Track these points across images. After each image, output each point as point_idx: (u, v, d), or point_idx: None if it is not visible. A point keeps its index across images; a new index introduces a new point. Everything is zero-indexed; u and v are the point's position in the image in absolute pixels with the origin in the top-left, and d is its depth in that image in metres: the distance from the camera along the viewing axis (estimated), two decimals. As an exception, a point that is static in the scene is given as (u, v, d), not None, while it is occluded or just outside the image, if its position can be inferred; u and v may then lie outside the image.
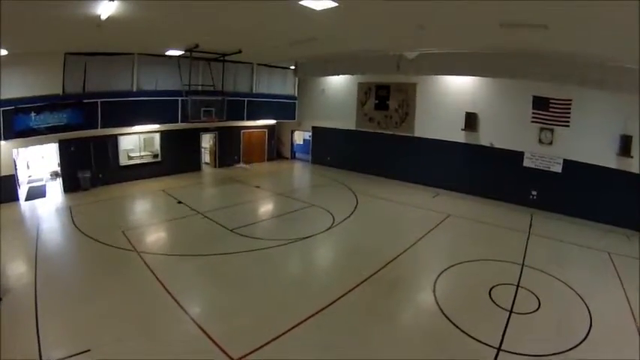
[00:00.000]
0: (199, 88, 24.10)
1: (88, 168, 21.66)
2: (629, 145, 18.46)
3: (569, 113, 19.89)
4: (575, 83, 17.15)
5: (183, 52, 21.28)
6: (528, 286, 12.35)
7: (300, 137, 33.14)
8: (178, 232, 16.55)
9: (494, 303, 11.26)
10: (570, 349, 9.22)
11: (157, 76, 23.05)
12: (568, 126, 20.01)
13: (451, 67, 19.89)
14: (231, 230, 16.27)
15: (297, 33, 16.05)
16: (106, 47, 19.63)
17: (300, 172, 30.00)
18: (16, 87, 18.17)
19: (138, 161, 24.07)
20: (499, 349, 9.11)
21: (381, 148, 27.00)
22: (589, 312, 11.01)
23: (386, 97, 26.26)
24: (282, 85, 29.69)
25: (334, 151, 30.08)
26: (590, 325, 10.35)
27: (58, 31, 14.68)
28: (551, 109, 20.27)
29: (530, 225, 18.61)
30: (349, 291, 11.60)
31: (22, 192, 21.09)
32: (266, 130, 30.96)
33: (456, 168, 23.69)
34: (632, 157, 18.46)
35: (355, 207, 20.16)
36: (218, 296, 11.35)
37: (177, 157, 25.75)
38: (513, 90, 20.90)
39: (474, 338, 9.44)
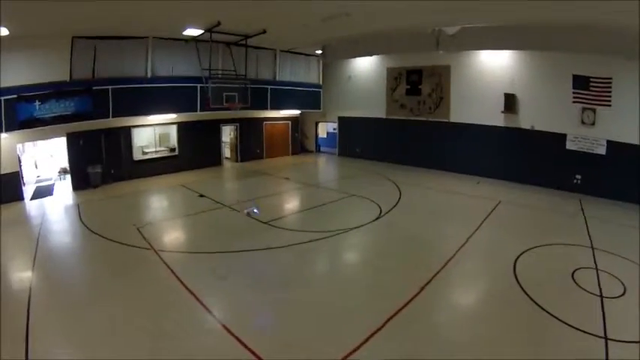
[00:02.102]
0: (219, 74, 22.44)
1: (98, 163, 20.21)
2: None
3: (610, 92, 18.91)
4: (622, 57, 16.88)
5: (202, 32, 19.52)
6: (607, 269, 11.53)
7: (323, 130, 30.85)
8: (203, 226, 14.73)
9: (582, 288, 10.44)
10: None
11: (174, 60, 21.43)
12: (610, 105, 19.03)
13: (494, 42, 19.42)
14: (265, 223, 14.45)
15: (332, 6, 14.57)
16: (117, 29, 18.22)
17: (329, 164, 28.52)
18: (18, 73, 16.55)
19: (153, 155, 22.71)
20: (606, 339, 8.22)
21: (415, 136, 25.71)
22: None
23: (418, 82, 24.81)
24: (307, 73, 28.44)
25: (363, 141, 28.68)
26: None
27: (64, 12, 13.41)
28: (591, 88, 19.28)
29: (582, 209, 17.62)
30: (422, 289, 9.97)
31: (29, 191, 19.63)
32: (289, 122, 29.70)
33: (496, 153, 22.70)
34: None
35: (400, 197, 18.62)
36: (267, 303, 9.24)
37: (196, 150, 24.26)
38: (552, 69, 20.03)
39: (575, 328, 8.55)
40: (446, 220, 15.71)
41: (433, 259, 11.45)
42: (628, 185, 18.57)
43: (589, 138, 19.63)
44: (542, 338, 8.12)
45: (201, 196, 17.89)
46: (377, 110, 26.92)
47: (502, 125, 22.08)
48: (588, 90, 19.31)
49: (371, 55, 25.25)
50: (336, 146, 30.74)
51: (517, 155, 21.89)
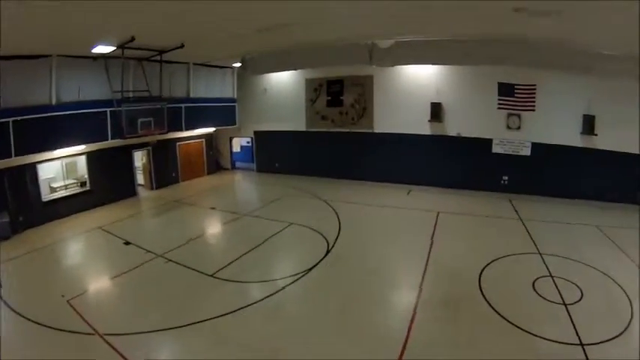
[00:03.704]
0: (131, 96, 20.14)
1: (4, 209, 16.84)
2: (592, 124, 20.06)
3: (534, 98, 20.59)
4: (548, 68, 18.57)
5: (114, 49, 16.85)
6: (561, 274, 12.41)
7: (237, 145, 28.62)
8: (145, 288, 12.11)
9: (546, 299, 11.05)
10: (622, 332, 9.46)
11: (81, 81, 18.28)
12: (534, 110, 20.73)
13: (429, 56, 19.47)
14: (211, 275, 12.52)
15: (268, 17, 13.53)
16: (18, 47, 15.04)
17: (250, 184, 26.95)
18: None
19: (63, 193, 19.73)
20: (582, 345, 9.00)
21: (339, 148, 25.33)
22: (622, 288, 11.64)
23: (339, 93, 24.42)
24: (221, 87, 26.28)
25: (283, 156, 27.63)
26: (630, 300, 10.94)
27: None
28: (516, 95, 20.71)
29: (516, 210, 18.86)
30: (411, 324, 9.74)
31: None
32: (203, 139, 27.80)
33: (425, 161, 23.31)
34: (596, 134, 20.00)
35: (339, 220, 17.87)
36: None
37: (108, 182, 21.33)
38: (478, 77, 21.07)
39: (554, 341, 9.11)
40: (396, 243, 15.40)
41: (403, 302, 10.98)
42: (552, 181, 20.79)
43: (514, 141, 21.03)
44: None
45: (127, 243, 15.40)
46: (296, 123, 26.09)
47: (429, 134, 22.65)
48: (513, 97, 20.56)
49: (297, 69, 24.48)
50: (251, 161, 29.49)
51: (446, 162, 22.65)
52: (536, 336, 9.23)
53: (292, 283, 11.92)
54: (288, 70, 24.69)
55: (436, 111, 21.93)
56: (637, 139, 18.79)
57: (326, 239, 15.29)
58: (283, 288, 11.59)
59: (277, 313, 10.35)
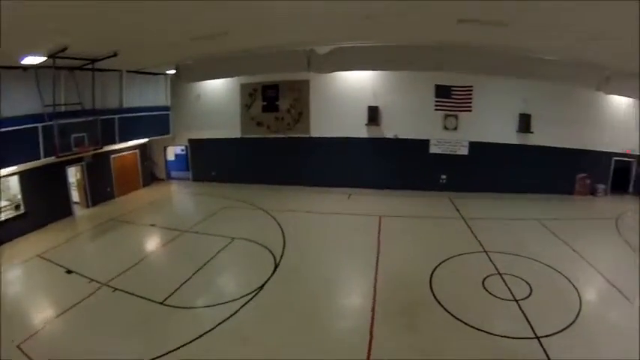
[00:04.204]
0: (63, 108, 18.27)
1: None
2: (528, 122, 21.53)
3: (470, 99, 21.52)
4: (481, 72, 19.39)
5: (45, 59, 15.19)
6: (509, 271, 13.00)
7: (171, 153, 27.52)
8: (99, 324, 10.76)
9: (496, 297, 11.52)
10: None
11: (8, 94, 16.06)
12: (470, 111, 21.65)
13: (368, 62, 19.48)
14: (161, 303, 11.59)
15: (204, 26, 13.07)
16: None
17: (188, 196, 25.62)
18: None
19: None
20: (538, 337, 9.52)
21: (276, 154, 24.82)
22: (568, 280, 12.48)
23: (275, 98, 24.07)
24: (155, 95, 24.50)
25: (220, 164, 26.57)
26: (577, 290, 11.81)
27: None
28: (453, 96, 21.55)
29: (457, 209, 19.53)
30: (371, 338, 9.62)
31: None
32: (137, 150, 25.67)
33: (363, 164, 23.50)
34: (532, 132, 21.55)
35: (282, 232, 17.31)
36: None
37: (43, 203, 19.03)
38: (415, 80, 21.57)
39: (508, 337, 9.53)
40: (343, 251, 15.28)
41: (360, 315, 10.73)
42: (489, 177, 21.98)
43: (451, 141, 21.92)
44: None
45: (69, 272, 13.84)
46: (232, 130, 25.31)
47: (366, 137, 22.96)
48: (450, 98, 21.39)
49: (234, 76, 23.73)
50: (186, 169, 28.22)
51: (385, 164, 23.03)
52: (494, 335, 9.54)
53: (246, 303, 11.39)
54: (225, 77, 24.07)
55: (373, 114, 22.28)
56: (569, 135, 21.28)
57: (272, 253, 14.89)
58: (238, 311, 11.01)
59: (238, 338, 9.85)
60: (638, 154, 22.86)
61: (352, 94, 22.51)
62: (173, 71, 23.74)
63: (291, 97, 23.52)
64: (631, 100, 22.12)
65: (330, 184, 23.41)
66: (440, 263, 13.61)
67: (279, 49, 18.49)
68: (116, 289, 12.49)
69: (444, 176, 22.63)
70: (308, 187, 23.58)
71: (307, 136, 23.80)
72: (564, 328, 9.93)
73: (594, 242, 16.57)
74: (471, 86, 21.14)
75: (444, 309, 10.86)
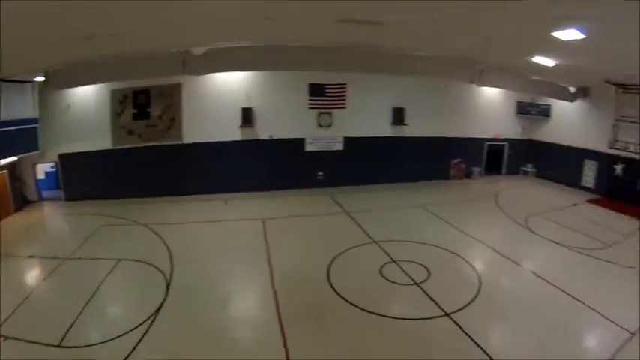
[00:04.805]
0: None
1: None
2: (402, 115, 23.17)
3: (344, 96, 22.08)
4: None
5: None
6: (403, 257, 13.48)
7: (41, 171, 23.86)
8: None
9: (397, 283, 11.98)
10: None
11: None
12: (344, 107, 22.24)
13: (242, 63, 18.43)
14: (58, 346, 9.84)
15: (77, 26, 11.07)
16: None
17: (64, 218, 21.77)
18: None
19: None
20: (448, 314, 10.13)
21: (150, 164, 22.51)
22: (462, 257, 13.54)
23: (146, 104, 21.97)
24: (21, 106, 20.05)
25: (93, 179, 22.91)
26: (471, 265, 12.95)
27: None
28: (327, 94, 21.93)
29: (339, 204, 20.04)
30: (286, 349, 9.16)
31: None
32: (6, 171, 20.84)
33: (241, 168, 22.76)
34: (406, 124, 23.31)
35: (166, 245, 15.84)
36: None
37: None
38: (288, 79, 21.39)
39: (422, 318, 10.09)
40: (233, 261, 14.26)
41: (268, 326, 10.16)
42: (365, 171, 23.08)
43: (326, 138, 22.52)
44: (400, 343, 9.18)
45: None
46: (103, 141, 22.27)
47: (241, 139, 22.40)
48: (324, 96, 21.85)
49: (105, 82, 20.74)
50: (59, 188, 24.51)
51: (261, 166, 22.69)
52: (407, 319, 10.00)
53: (145, 333, 10.13)
54: (96, 82, 20.81)
55: (247, 116, 21.81)
56: (443, 125, 23.92)
57: (161, 271, 13.65)
58: (137, 345, 9.66)
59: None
60: (506, 138, 26.46)
61: (226, 96, 21.77)
62: (42, 78, 20.44)
63: (163, 102, 21.88)
64: (501, 90, 25.18)
65: (210, 191, 22.24)
66: (333, 259, 13.70)
67: (154, 52, 16.92)
68: (6, 337, 10.34)
69: (320, 173, 23.10)
70: (188, 197, 22.05)
71: (180, 142, 22.27)
72: (470, 302, 10.78)
73: (477, 220, 18.57)
74: (345, 83, 21.86)
75: (350, 303, 10.96)
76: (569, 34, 10.66)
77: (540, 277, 12.77)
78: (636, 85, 19.79)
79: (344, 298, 11.15)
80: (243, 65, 18.96)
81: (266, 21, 11.93)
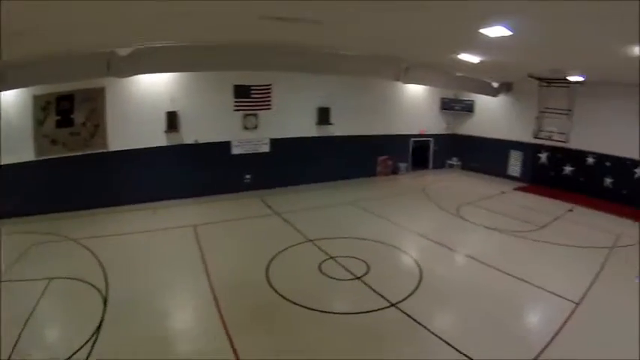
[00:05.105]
0: None
1: None
2: (327, 115, 23.99)
3: (269, 97, 22.44)
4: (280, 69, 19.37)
5: None
6: (340, 253, 13.94)
7: None
8: None
9: (337, 279, 12.29)
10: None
11: None
12: (270, 108, 22.59)
13: (166, 64, 17.95)
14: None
15: None
16: None
17: None
18: None
19: None
20: (394, 305, 10.67)
21: (77, 176, 20.90)
22: (398, 248, 14.35)
23: (69, 111, 20.35)
24: None
25: (17, 193, 20.06)
26: (409, 254, 13.78)
27: None
28: (252, 96, 22.14)
29: (269, 206, 20.41)
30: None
31: None
32: None
33: (167, 175, 22.13)
34: (332, 124, 24.14)
35: (98, 260, 14.90)
36: None
37: None
38: (214, 81, 21.27)
39: (368, 311, 10.40)
40: (169, 272, 13.75)
41: (215, 335, 9.88)
42: (294, 172, 23.73)
43: (252, 140, 22.80)
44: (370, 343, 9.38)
45: None
46: (26, 152, 19.82)
47: (166, 144, 21.77)
48: (249, 97, 22.04)
49: (27, 86, 18.72)
50: None
51: (188, 171, 22.22)
52: (353, 313, 10.49)
53: (89, 356, 9.47)
54: (16, 87, 19.21)
55: (172, 120, 21.38)
56: (369, 123, 25.28)
57: (95, 287, 12.92)
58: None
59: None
60: (431, 133, 28.29)
61: (150, 100, 21.03)
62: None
63: (87, 108, 20.55)
64: (425, 87, 27.08)
65: (139, 200, 21.37)
66: (271, 261, 13.86)
67: (78, 53, 15.83)
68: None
69: (248, 176, 23.26)
70: (117, 207, 20.86)
71: (105, 150, 21.01)
72: (414, 290, 11.55)
73: (409, 212, 19.97)
74: (270, 84, 22.22)
75: (294, 303, 11.07)
76: (495, 31, 11.19)
77: (480, 260, 13.94)
78: (560, 79, 21.90)
79: (287, 299, 11.29)
80: (168, 66, 18.63)
81: (186, 19, 11.82)
